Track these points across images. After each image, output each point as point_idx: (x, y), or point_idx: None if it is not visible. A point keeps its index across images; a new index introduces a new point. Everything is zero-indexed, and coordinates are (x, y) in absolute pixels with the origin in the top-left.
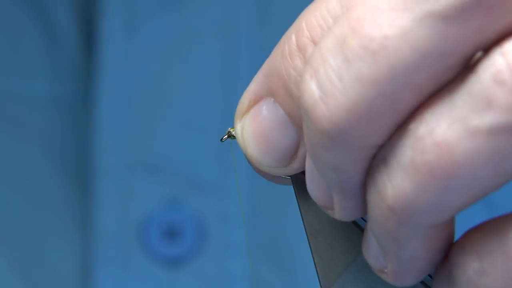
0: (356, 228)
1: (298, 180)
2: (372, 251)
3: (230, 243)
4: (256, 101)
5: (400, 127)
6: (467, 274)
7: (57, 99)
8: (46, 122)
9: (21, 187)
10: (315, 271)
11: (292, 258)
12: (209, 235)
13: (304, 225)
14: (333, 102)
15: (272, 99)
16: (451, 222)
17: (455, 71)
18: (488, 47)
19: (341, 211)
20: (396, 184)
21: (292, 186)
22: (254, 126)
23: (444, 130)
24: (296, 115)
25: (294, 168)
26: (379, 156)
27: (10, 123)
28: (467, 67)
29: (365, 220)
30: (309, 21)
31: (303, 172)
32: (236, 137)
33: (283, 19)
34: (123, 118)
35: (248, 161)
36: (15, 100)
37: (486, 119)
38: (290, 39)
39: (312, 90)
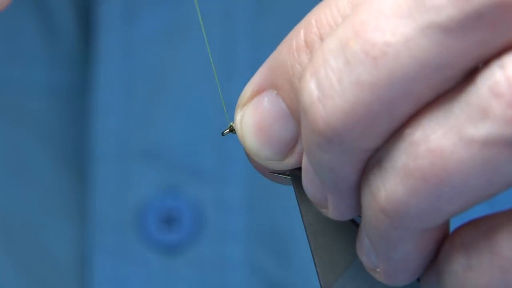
0: (356, 229)
1: (299, 181)
2: (365, 250)
3: (227, 230)
4: (258, 92)
5: (397, 132)
6: (454, 268)
7: (55, 87)
8: (44, 109)
9: (19, 174)
10: (315, 270)
11: (290, 245)
12: (206, 222)
13: (304, 225)
14: (331, 104)
15: (275, 92)
16: (444, 226)
17: (454, 82)
18: (488, 59)
19: (334, 210)
20: (389, 187)
21: (292, 187)
22: (254, 117)
23: (439, 137)
24: (297, 110)
25: (290, 163)
26: (374, 158)
27: (8, 111)
28: (466, 77)
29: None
30: (318, 18)
31: None
32: (235, 126)
33: (281, 10)
34: (120, 105)
35: (245, 152)
36: (13, 88)
37: (482, 130)
38: (299, 34)
39: (311, 89)
